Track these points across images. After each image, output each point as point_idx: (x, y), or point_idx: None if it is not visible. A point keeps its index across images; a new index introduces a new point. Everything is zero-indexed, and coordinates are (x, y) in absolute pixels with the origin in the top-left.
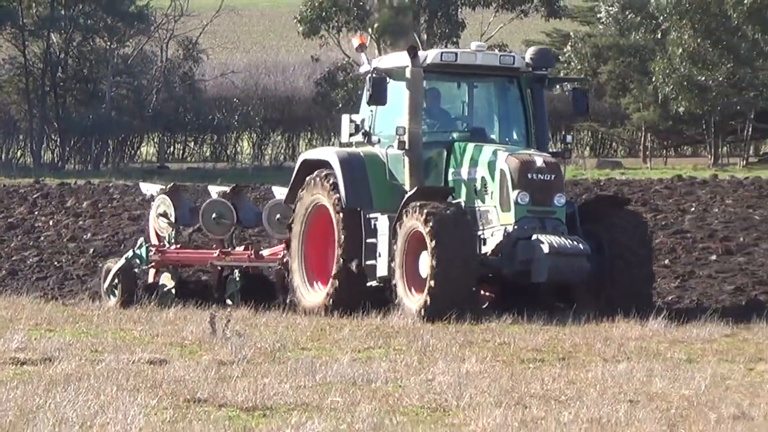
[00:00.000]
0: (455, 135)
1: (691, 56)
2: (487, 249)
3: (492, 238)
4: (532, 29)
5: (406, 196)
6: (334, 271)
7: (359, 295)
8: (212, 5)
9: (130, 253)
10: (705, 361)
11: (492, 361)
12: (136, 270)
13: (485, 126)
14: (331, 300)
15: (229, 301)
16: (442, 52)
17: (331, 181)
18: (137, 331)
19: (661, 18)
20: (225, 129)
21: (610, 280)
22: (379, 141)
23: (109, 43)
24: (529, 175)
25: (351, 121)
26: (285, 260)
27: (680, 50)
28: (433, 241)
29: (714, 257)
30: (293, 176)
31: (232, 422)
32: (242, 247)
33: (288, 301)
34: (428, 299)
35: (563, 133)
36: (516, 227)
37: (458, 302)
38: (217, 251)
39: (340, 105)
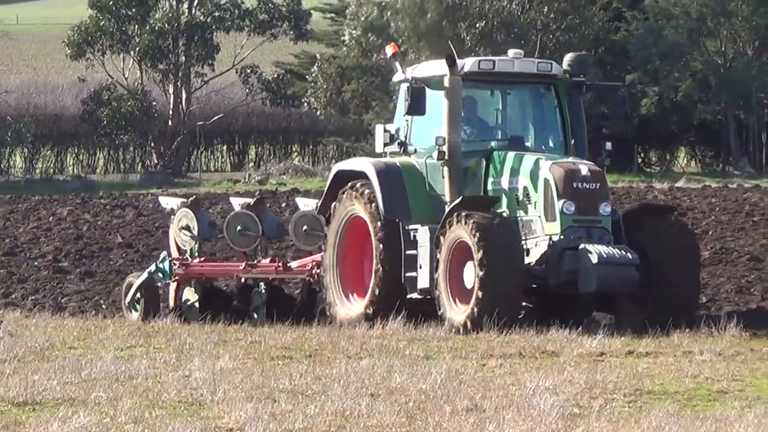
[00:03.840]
0: (493, 144)
1: None
2: (530, 259)
3: (536, 248)
4: (282, 51)
5: (450, 205)
6: (372, 284)
7: (399, 307)
8: None
9: (152, 267)
10: (441, 357)
11: (244, 358)
12: (158, 284)
13: (523, 134)
14: (370, 312)
15: (254, 315)
16: (480, 60)
17: (367, 193)
18: None
19: (401, 40)
20: None
21: (657, 290)
22: (415, 151)
23: None
24: (574, 184)
25: (385, 131)
26: (314, 272)
27: None
28: (481, 252)
29: None
30: (326, 187)
31: (3, 416)
32: (269, 259)
33: (317, 312)
34: (475, 310)
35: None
36: (562, 237)
37: (505, 313)
38: (243, 264)
39: (105, 122)
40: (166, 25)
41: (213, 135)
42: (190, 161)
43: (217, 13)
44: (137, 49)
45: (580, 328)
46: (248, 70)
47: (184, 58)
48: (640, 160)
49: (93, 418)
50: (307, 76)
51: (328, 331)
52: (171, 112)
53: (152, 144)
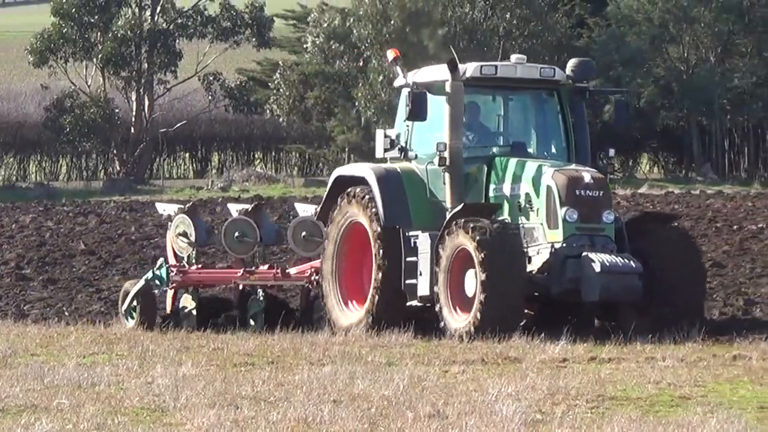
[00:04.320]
0: (495, 150)
1: (391, 82)
2: (532, 267)
3: (538, 255)
4: (245, 58)
5: (452, 212)
6: (372, 291)
7: (399, 314)
8: None
9: (149, 274)
10: (403, 364)
11: (207, 365)
12: (155, 291)
13: (525, 140)
14: (370, 319)
15: (252, 322)
16: (482, 65)
17: (367, 199)
18: None
19: (363, 47)
20: None
21: (660, 298)
22: (416, 157)
23: None
24: (577, 192)
25: (386, 136)
26: (313, 279)
27: (381, 77)
28: (482, 260)
29: None
30: (326, 193)
31: None
32: (267, 266)
33: (315, 319)
34: (477, 318)
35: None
36: (564, 245)
37: (508, 321)
38: (241, 270)
39: (67, 129)
40: (129, 32)
41: (176, 142)
42: (152, 168)
43: (179, 21)
44: (100, 56)
45: (543, 335)
46: (211, 77)
47: (146, 65)
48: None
49: (56, 425)
50: (269, 83)
51: (290, 338)
52: (134, 120)
53: (115, 151)
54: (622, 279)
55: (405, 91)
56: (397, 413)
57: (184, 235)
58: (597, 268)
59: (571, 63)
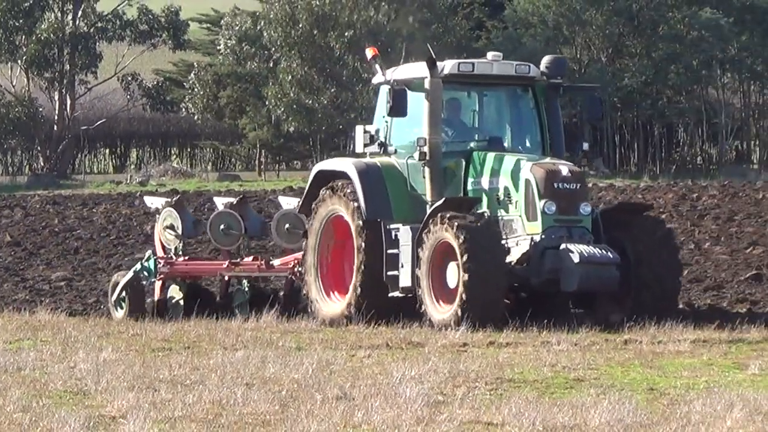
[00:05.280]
0: (473, 144)
1: (299, 82)
2: (511, 258)
3: (517, 247)
4: (161, 60)
5: (433, 206)
6: (354, 282)
7: (381, 305)
8: None
9: (138, 266)
10: (312, 348)
11: (126, 350)
12: (144, 282)
13: (501, 135)
14: (352, 310)
15: (237, 311)
16: (459, 63)
17: (349, 192)
18: None
19: (273, 49)
20: None
21: (637, 287)
22: (395, 151)
23: None
24: (555, 185)
25: (365, 131)
26: (296, 270)
27: (290, 77)
28: (464, 253)
29: None
30: (307, 187)
31: None
32: (251, 258)
33: (300, 308)
34: (459, 310)
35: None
36: (543, 237)
37: (489, 312)
38: (227, 262)
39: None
40: (52, 35)
41: (96, 139)
42: (74, 164)
43: (99, 24)
44: (24, 58)
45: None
46: (129, 78)
47: (68, 66)
48: None
49: None
50: (184, 83)
51: (205, 324)
52: (56, 118)
53: (39, 148)
54: (600, 269)
55: (384, 88)
56: (306, 395)
57: (171, 227)
58: (576, 259)
59: (545, 60)
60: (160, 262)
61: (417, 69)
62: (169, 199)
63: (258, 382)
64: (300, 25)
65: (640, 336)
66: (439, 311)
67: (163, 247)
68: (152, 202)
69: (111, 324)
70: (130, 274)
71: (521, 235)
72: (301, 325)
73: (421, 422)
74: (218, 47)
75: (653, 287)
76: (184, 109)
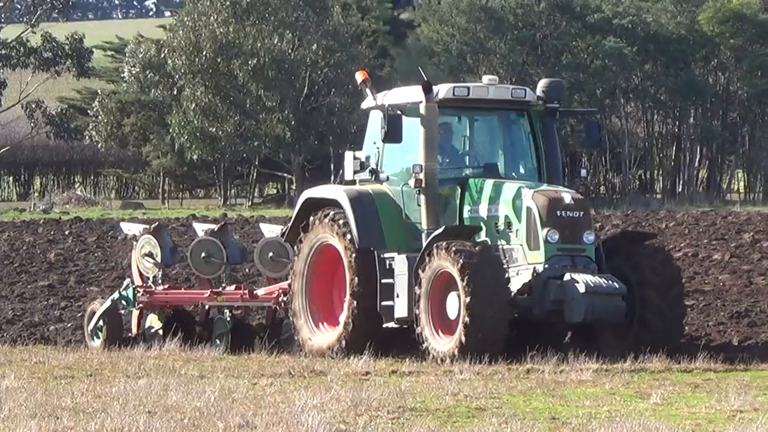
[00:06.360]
0: (468, 171)
1: (203, 110)
2: (512, 288)
3: (518, 277)
4: (66, 87)
5: (432, 234)
6: (346, 312)
7: (374, 335)
8: None
9: (116, 295)
10: (214, 377)
11: (29, 377)
12: (122, 312)
13: (497, 161)
14: (344, 341)
15: (217, 341)
16: (454, 87)
17: (340, 221)
18: None
19: (177, 76)
20: None
21: (639, 319)
22: (387, 178)
23: None
24: (558, 213)
25: (355, 158)
26: (280, 300)
27: (194, 105)
28: (466, 282)
29: None
30: (294, 214)
31: None
32: (234, 287)
33: (283, 340)
34: (462, 340)
35: (578, 166)
36: (546, 266)
37: (492, 342)
38: (208, 291)
39: None
40: None
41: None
42: None
43: (3, 51)
44: None
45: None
46: (33, 105)
47: None
48: None
49: None
50: (88, 111)
51: (107, 352)
52: None
53: None
54: (606, 300)
55: (374, 113)
56: (209, 424)
57: (150, 255)
58: (581, 289)
59: (542, 84)
60: (138, 291)
61: (411, 93)
62: (147, 226)
63: (160, 410)
64: (204, 53)
65: (543, 365)
66: (439, 342)
67: (141, 275)
68: (129, 228)
69: (14, 351)
70: (108, 302)
71: (522, 265)
72: (203, 353)
73: None
74: (122, 75)
75: (656, 320)
76: (87, 137)
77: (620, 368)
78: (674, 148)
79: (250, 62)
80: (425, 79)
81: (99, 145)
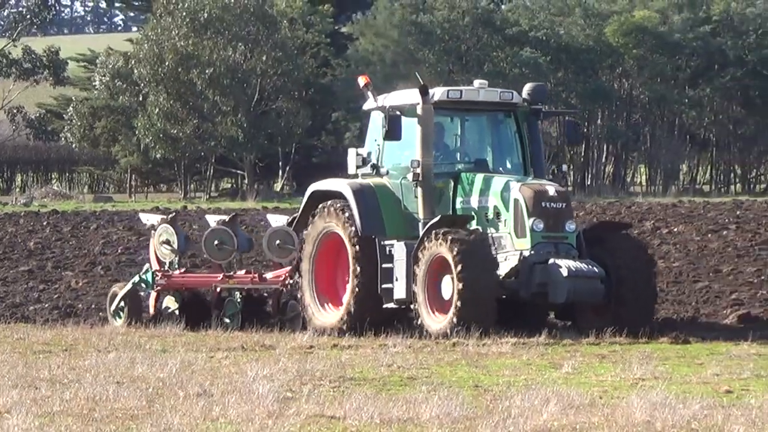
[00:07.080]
0: (460, 166)
1: (165, 114)
2: (500, 272)
3: (506, 262)
4: (44, 94)
5: (429, 223)
6: (348, 295)
7: (375, 315)
8: None
9: (136, 278)
10: (176, 350)
11: (11, 352)
12: (141, 293)
13: (487, 157)
14: (346, 322)
15: (227, 320)
16: (448, 90)
17: (345, 211)
18: None
19: (142, 84)
20: None
21: (617, 300)
22: (387, 173)
23: None
24: (543, 204)
25: (357, 154)
26: (287, 282)
27: (157, 110)
28: (459, 266)
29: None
30: (302, 205)
31: None
32: (244, 271)
33: (288, 319)
34: (454, 319)
35: (556, 162)
36: (532, 252)
37: (482, 321)
38: (221, 275)
39: None
40: None
41: None
42: None
43: None
44: None
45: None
46: (15, 110)
47: None
48: None
49: None
50: (64, 115)
51: (81, 329)
52: None
53: None
54: (587, 282)
55: (376, 114)
56: (170, 392)
57: (167, 242)
58: (564, 272)
59: (527, 87)
60: (157, 275)
61: (409, 96)
62: (165, 216)
63: (127, 381)
64: (166, 64)
65: (467, 339)
66: (434, 321)
67: (159, 261)
68: (147, 218)
69: None
70: (129, 285)
71: (510, 251)
72: (166, 330)
73: (272, 416)
74: (94, 83)
75: (631, 301)
76: (63, 138)
77: (536, 342)
78: (584, 146)
79: (207, 71)
80: (422, 83)
81: (73, 146)
